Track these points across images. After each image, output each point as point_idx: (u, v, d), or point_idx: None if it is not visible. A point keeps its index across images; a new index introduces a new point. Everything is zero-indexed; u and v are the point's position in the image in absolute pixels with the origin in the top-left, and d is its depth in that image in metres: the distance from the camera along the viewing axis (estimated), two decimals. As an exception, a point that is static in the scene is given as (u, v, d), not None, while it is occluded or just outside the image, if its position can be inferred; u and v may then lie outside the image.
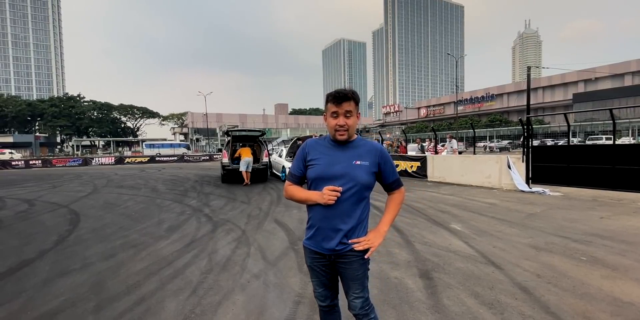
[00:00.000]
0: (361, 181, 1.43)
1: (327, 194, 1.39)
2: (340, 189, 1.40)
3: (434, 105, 71.95)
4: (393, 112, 78.75)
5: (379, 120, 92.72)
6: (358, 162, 1.45)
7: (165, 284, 2.94)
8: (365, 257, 1.47)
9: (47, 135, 64.18)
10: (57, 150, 62.26)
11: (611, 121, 7.07)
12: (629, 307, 2.39)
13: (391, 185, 1.56)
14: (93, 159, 30.24)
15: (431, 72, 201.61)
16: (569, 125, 7.75)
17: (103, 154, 50.93)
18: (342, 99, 1.41)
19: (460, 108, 61.76)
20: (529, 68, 9.70)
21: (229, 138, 12.05)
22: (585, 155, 7.05)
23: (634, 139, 33.06)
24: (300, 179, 1.56)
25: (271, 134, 58.78)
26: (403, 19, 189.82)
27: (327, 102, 1.47)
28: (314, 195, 1.44)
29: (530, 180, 8.02)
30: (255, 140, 12.72)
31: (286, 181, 1.60)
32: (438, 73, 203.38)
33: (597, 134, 34.86)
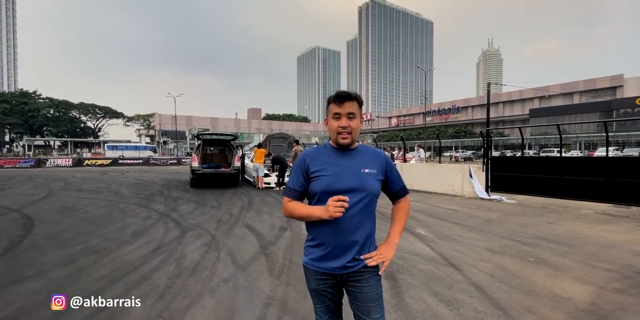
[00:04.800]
0: (372, 191, 1.33)
1: (332, 206, 1.22)
2: (346, 198, 1.23)
3: (404, 115, 74.65)
4: (365, 121, 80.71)
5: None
6: (367, 170, 1.34)
7: (131, 289, 2.86)
8: (380, 272, 1.37)
9: (-6, 133, 58.81)
10: (5, 150, 57.14)
11: (563, 135, 7.80)
12: (567, 301, 2.68)
13: (397, 193, 1.46)
14: (47, 160, 28.11)
15: (402, 83, 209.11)
16: (522, 139, 8.45)
17: (59, 155, 47.45)
18: (344, 98, 1.32)
19: (428, 119, 64.54)
20: (488, 84, 10.53)
21: (200, 142, 11.81)
22: (536, 166, 7.70)
23: (581, 152, 36.22)
24: (301, 193, 1.38)
25: (243, 138, 57.86)
26: (376, 31, 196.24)
27: (328, 104, 1.38)
28: (317, 211, 1.28)
29: (489, 189, 8.59)
30: (226, 145, 12.56)
31: (284, 197, 1.42)
32: (409, 84, 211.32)
33: (550, 147, 37.84)
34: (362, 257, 1.33)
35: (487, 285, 2.98)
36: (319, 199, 1.33)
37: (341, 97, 1.32)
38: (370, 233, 1.37)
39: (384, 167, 1.39)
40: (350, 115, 1.33)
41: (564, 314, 2.46)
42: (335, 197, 1.24)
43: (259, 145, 11.45)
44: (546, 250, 4.04)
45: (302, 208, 1.35)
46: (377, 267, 1.36)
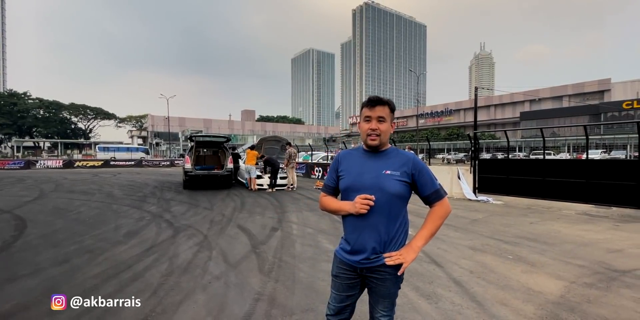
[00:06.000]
0: (391, 191, 1.37)
1: (358, 203, 1.35)
2: (372, 197, 1.34)
3: (397, 118, 75.18)
4: (358, 123, 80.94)
5: (346, 130, 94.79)
6: (388, 172, 1.39)
7: (125, 286, 2.97)
8: (398, 273, 1.40)
9: (-19, 134, 57.71)
10: (-7, 151, 56.15)
11: (553, 138, 8.08)
12: (538, 295, 2.86)
13: (429, 197, 1.45)
14: (37, 161, 27.74)
15: (396, 85, 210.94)
16: (508, 141, 8.72)
17: (49, 156, 46.79)
18: (376, 102, 1.40)
19: (421, 121, 65.17)
20: (476, 88, 10.79)
21: (192, 143, 11.87)
22: (521, 168, 7.95)
23: (570, 154, 36.91)
24: (334, 189, 1.54)
25: (237, 140, 57.79)
26: (370, 34, 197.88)
27: (361, 108, 1.46)
28: (346, 206, 1.41)
29: (476, 190, 8.82)
30: (219, 146, 12.63)
31: (321, 192, 1.59)
32: (402, 87, 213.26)
33: (541, 149, 38.50)
34: (384, 255, 1.40)
35: (466, 281, 3.15)
36: (343, 195, 1.47)
37: (373, 102, 1.42)
38: (393, 234, 1.41)
39: (410, 170, 1.41)
40: (380, 119, 1.41)
41: (535, 306, 2.64)
42: (363, 195, 1.36)
43: (252, 147, 11.55)
44: (525, 248, 4.24)
45: (334, 203, 1.50)
46: (397, 268, 1.40)
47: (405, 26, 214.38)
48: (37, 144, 59.58)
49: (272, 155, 12.38)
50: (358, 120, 1.46)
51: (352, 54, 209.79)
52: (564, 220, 6.12)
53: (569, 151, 38.17)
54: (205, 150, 13.13)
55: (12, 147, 56.66)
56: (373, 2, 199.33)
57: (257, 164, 11.19)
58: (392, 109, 1.44)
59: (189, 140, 12.31)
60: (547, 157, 7.69)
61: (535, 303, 2.69)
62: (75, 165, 27.92)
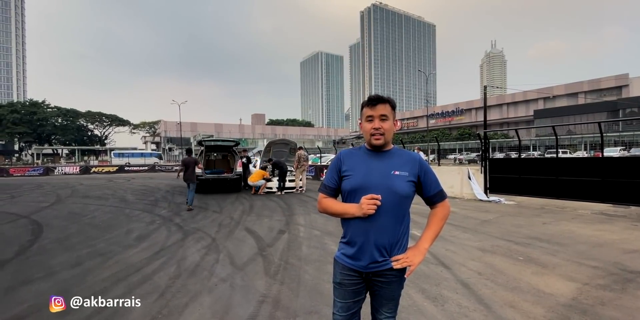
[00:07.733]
0: (400, 192, 1.34)
1: (365, 204, 1.29)
2: (379, 197, 1.30)
3: (407, 118, 74.57)
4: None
5: (356, 131, 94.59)
6: (396, 173, 1.36)
7: (133, 289, 3.03)
8: (405, 276, 1.39)
9: (3, 142, 60.00)
10: (14, 158, 58.25)
11: (568, 136, 7.87)
12: (549, 297, 2.78)
13: (433, 198, 1.44)
14: (56, 168, 28.64)
15: (405, 86, 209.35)
16: (519, 140, 8.54)
17: (67, 163, 48.24)
18: (377, 101, 1.36)
19: (432, 121, 64.44)
20: (485, 87, 10.62)
21: (202, 148, 12.06)
22: (533, 167, 7.77)
23: (587, 152, 35.82)
24: (335, 191, 1.46)
25: (247, 144, 58.36)
26: (379, 35, 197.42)
27: (362, 108, 1.42)
28: (351, 208, 1.35)
29: (488, 190, 8.65)
30: (228, 151, 12.78)
31: (320, 193, 1.49)
32: (412, 87, 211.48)
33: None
34: (391, 258, 1.36)
35: (474, 283, 3.09)
36: (348, 197, 1.40)
37: (373, 100, 1.37)
38: (399, 235, 1.38)
39: (416, 170, 1.39)
40: (383, 117, 1.37)
41: (544, 309, 2.56)
42: (369, 195, 1.30)
43: (263, 168, 11.18)
44: (536, 249, 4.13)
45: (337, 205, 1.41)
46: (403, 270, 1.38)
47: (414, 26, 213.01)
48: (55, 151, 61.57)
49: (280, 158, 12.44)
50: (359, 121, 1.42)
51: (360, 55, 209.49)
52: (579, 220, 5.94)
53: (585, 149, 37.08)
54: (215, 154, 13.31)
55: (32, 155, 58.73)
56: (381, 3, 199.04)
57: (265, 168, 11.26)
58: (393, 107, 1.40)
59: (199, 145, 12.53)
60: (562, 155, 7.48)
61: (546, 305, 2.62)
62: (91, 171, 28.69)
